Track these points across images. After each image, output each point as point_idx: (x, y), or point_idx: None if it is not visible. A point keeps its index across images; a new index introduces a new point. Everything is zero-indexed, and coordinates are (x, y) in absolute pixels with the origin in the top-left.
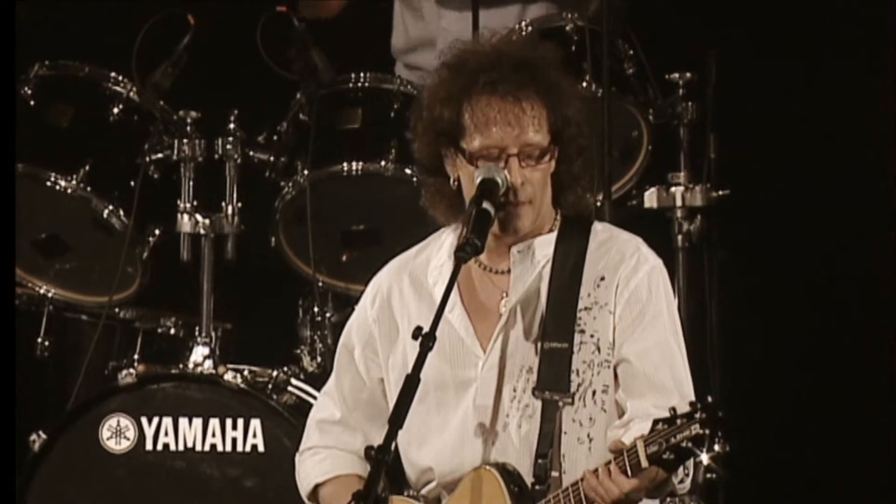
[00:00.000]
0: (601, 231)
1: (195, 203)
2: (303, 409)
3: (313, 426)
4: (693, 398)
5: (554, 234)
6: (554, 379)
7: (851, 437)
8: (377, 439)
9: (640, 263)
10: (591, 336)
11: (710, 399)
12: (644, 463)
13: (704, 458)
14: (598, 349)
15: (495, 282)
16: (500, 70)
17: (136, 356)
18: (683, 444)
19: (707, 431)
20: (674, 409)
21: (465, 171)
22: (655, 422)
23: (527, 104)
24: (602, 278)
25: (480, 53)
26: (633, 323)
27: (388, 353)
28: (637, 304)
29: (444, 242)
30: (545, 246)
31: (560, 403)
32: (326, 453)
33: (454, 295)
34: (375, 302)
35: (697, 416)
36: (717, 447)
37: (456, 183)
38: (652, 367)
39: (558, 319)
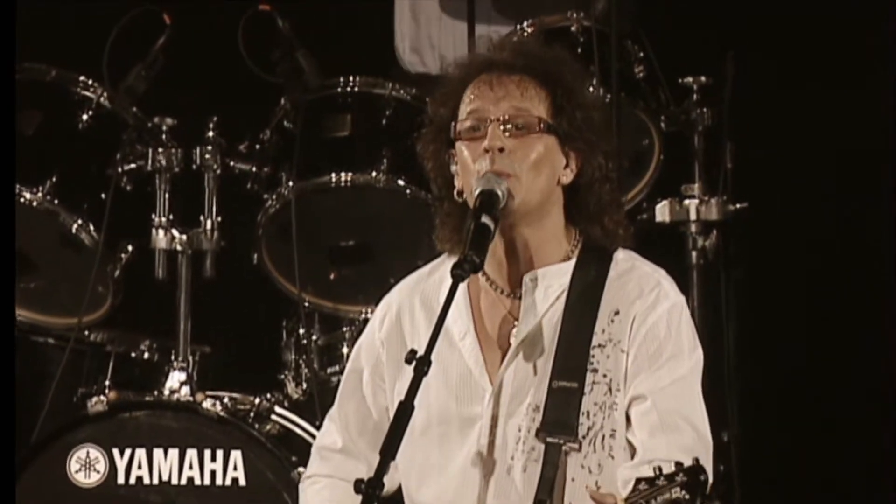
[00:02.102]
0: (622, 261)
1: (171, 217)
2: (287, 439)
3: (315, 453)
4: (710, 440)
5: (571, 263)
6: (560, 421)
7: (873, 461)
8: (370, 454)
9: (659, 299)
10: (604, 376)
11: (693, 461)
12: None
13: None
14: (610, 390)
15: (507, 306)
16: (501, 56)
17: (107, 382)
18: None
19: (687, 496)
20: (659, 468)
21: (460, 157)
22: (638, 480)
23: (520, 79)
24: (616, 312)
25: (482, 51)
26: (648, 361)
27: (394, 378)
28: (654, 342)
29: None
30: (561, 275)
31: (565, 448)
32: (326, 482)
33: (467, 320)
34: (384, 323)
35: (679, 478)
36: None
37: (461, 196)
38: (667, 405)
39: (569, 356)
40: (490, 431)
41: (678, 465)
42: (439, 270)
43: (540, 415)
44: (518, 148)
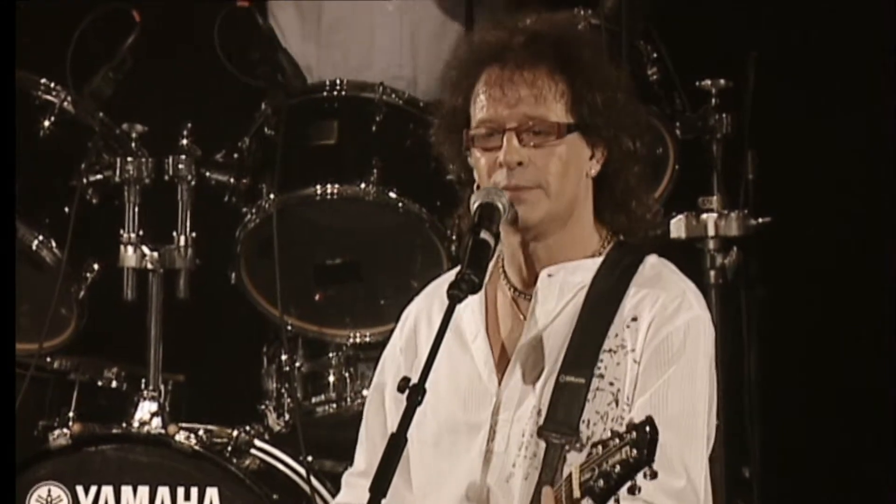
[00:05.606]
0: (650, 267)
1: (141, 233)
2: (268, 475)
3: (343, 480)
4: (700, 494)
5: (598, 260)
6: (563, 418)
7: None
8: (407, 493)
9: (680, 310)
10: (610, 384)
11: (644, 418)
12: (576, 493)
13: (641, 482)
14: (616, 401)
15: (521, 307)
16: (514, 43)
17: (70, 413)
18: (614, 470)
19: (634, 454)
20: (615, 430)
21: (477, 165)
22: (593, 445)
23: (535, 77)
24: (634, 319)
25: (496, 32)
26: (655, 375)
27: None
28: (665, 354)
29: None
30: (582, 272)
31: (566, 447)
32: None
33: (480, 321)
34: (403, 331)
35: (628, 436)
36: (647, 474)
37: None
38: (669, 439)
39: (580, 353)
40: (494, 438)
41: (628, 424)
42: None
43: (543, 415)
44: (538, 157)
